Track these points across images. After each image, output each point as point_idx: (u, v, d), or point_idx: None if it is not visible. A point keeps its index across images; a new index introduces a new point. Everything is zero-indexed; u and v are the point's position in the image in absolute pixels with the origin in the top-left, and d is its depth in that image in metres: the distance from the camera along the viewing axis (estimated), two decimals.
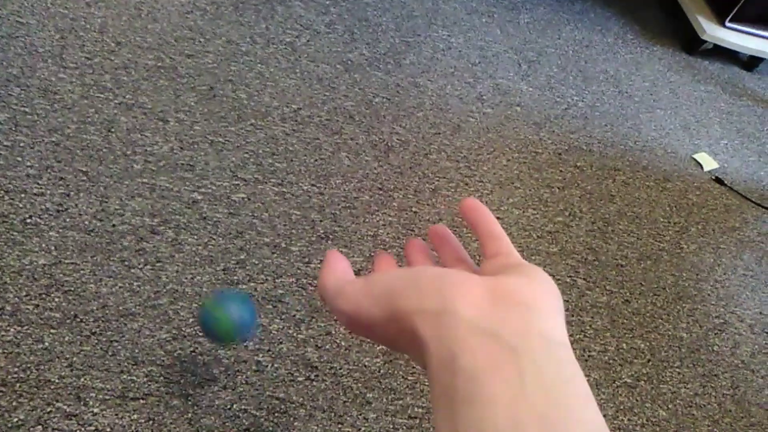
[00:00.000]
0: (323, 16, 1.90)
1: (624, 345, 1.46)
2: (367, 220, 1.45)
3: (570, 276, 1.52)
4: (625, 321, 1.50)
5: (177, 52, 1.60)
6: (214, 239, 1.30)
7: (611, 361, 1.40)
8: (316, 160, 1.51)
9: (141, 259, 1.23)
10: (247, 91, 1.59)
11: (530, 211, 1.64)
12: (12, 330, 1.09)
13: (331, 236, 1.38)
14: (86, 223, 1.25)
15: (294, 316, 1.24)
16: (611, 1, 2.60)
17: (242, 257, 1.29)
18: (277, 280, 1.28)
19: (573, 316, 1.44)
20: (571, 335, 1.41)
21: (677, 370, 1.45)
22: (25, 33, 1.50)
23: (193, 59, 1.61)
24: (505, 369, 0.32)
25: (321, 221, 1.41)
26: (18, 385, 1.04)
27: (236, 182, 1.40)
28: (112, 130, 1.40)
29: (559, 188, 1.73)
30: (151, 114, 1.45)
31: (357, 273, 1.34)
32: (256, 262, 1.29)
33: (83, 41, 1.53)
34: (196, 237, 1.29)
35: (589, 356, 1.38)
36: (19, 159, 1.29)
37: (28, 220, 1.21)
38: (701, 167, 2.00)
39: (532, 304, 0.36)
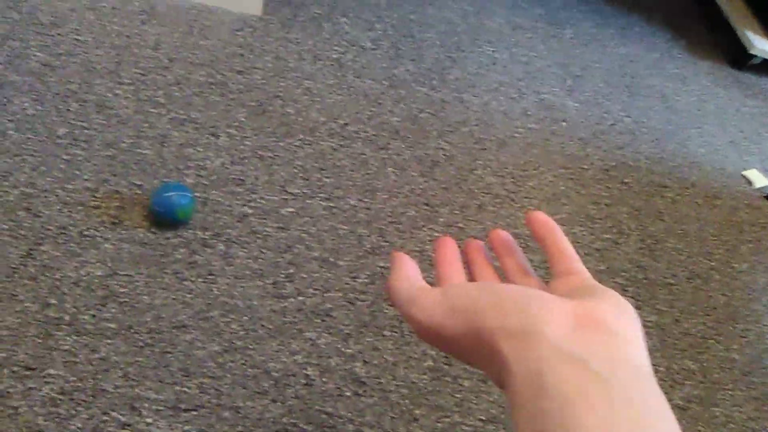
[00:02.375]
0: (369, 33, 1.91)
1: (674, 366, 1.42)
2: (413, 235, 1.44)
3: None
4: (675, 341, 1.47)
5: (227, 68, 1.63)
6: (263, 253, 1.31)
7: (661, 383, 1.37)
8: (362, 175, 1.52)
9: (193, 272, 1.24)
10: (295, 106, 1.61)
11: (577, 228, 1.62)
12: (70, 339, 1.11)
13: (377, 251, 1.39)
14: (140, 235, 1.27)
15: (342, 330, 1.25)
16: (656, 15, 2.57)
17: (291, 271, 1.30)
18: (325, 295, 1.28)
19: None
20: None
21: (730, 392, 1.41)
22: (83, 50, 1.54)
23: (243, 75, 1.63)
24: (595, 397, 0.31)
25: (368, 236, 1.41)
26: (75, 393, 1.06)
27: (285, 197, 1.41)
28: (165, 144, 1.42)
29: (606, 205, 1.71)
30: (202, 129, 1.48)
31: None
32: (305, 276, 1.30)
33: (137, 58, 1.57)
34: (246, 251, 1.30)
35: None
36: (77, 172, 1.32)
37: (86, 233, 1.24)
38: (751, 184, 1.96)
39: (617, 331, 0.36)
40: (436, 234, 1.46)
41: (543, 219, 0.45)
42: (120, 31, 1.63)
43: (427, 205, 1.52)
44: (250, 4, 1.78)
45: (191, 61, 1.62)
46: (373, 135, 1.62)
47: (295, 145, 1.53)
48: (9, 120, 1.38)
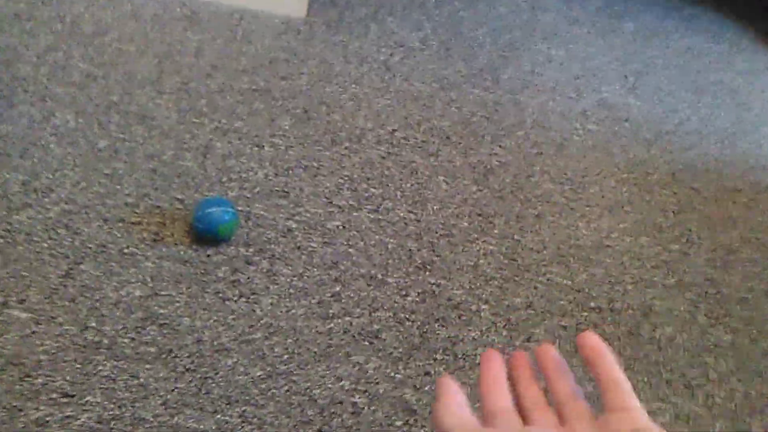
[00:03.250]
0: (417, 33, 1.82)
1: (753, 391, 1.30)
2: (466, 248, 1.35)
3: (689, 311, 1.37)
4: (753, 363, 1.34)
5: (271, 74, 1.56)
6: (308, 270, 1.24)
7: (738, 410, 1.25)
8: (412, 185, 1.43)
9: (236, 291, 1.18)
10: (342, 113, 1.53)
11: (643, 238, 1.50)
12: (108, 364, 1.06)
13: (428, 266, 1.30)
14: (181, 253, 1.21)
15: (391, 354, 1.16)
16: (723, 4, 2.40)
17: (337, 289, 1.23)
18: (373, 314, 1.21)
19: (694, 357, 1.30)
20: (692, 378, 1.26)
21: None
22: (125, 60, 1.50)
23: (288, 81, 1.56)
24: None
25: (418, 250, 1.32)
26: (113, 422, 1.01)
27: (331, 209, 1.34)
28: (208, 156, 1.37)
29: (674, 212, 1.58)
30: (246, 139, 1.42)
31: (457, 306, 1.25)
32: (352, 295, 1.22)
33: (179, 66, 1.52)
34: (291, 268, 1.23)
35: (713, 403, 1.24)
36: (118, 187, 1.28)
37: (126, 251, 1.19)
38: None
39: None
40: (491, 247, 1.36)
41: (594, 343, 0.41)
42: (162, 38, 1.58)
43: (480, 215, 1.42)
44: (294, 7, 1.71)
45: (234, 68, 1.57)
46: (423, 141, 1.53)
47: (341, 154, 1.45)
48: (51, 134, 1.34)
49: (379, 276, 1.27)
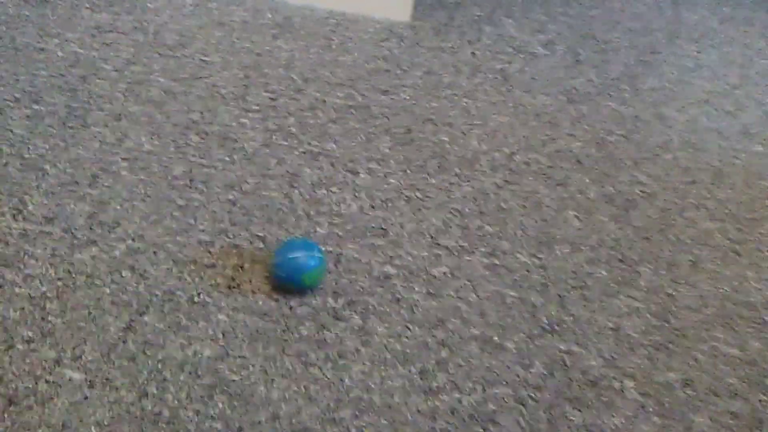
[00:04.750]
0: (539, 35, 1.56)
1: None
2: (604, 305, 1.08)
3: None
4: None
5: (370, 87, 1.35)
6: (409, 329, 1.01)
7: None
8: (535, 222, 1.17)
9: (321, 354, 0.97)
10: (450, 132, 1.30)
11: None
12: None
13: (557, 328, 1.04)
14: (260, 303, 1.02)
15: None
16: None
17: (443, 355, 0.99)
18: (487, 391, 0.96)
19: None
20: None
21: None
22: (209, 73, 1.33)
23: (388, 95, 1.34)
24: None
25: (543, 305, 1.07)
26: None
27: (437, 251, 1.11)
28: (295, 184, 1.17)
29: None
30: (338, 164, 1.21)
31: (595, 383, 0.98)
32: (462, 363, 0.98)
33: (267, 79, 1.33)
34: (387, 325, 1.01)
35: None
36: (192, 222, 1.10)
37: (196, 299, 1.01)
38: None
39: None
40: (636, 304, 1.08)
41: None
42: (250, 48, 1.40)
43: (621, 261, 1.14)
44: (397, 10, 1.49)
45: (328, 81, 1.36)
46: (549, 167, 1.27)
47: (450, 183, 1.21)
48: (124, 158, 1.19)
49: (496, 339, 1.02)
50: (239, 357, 0.98)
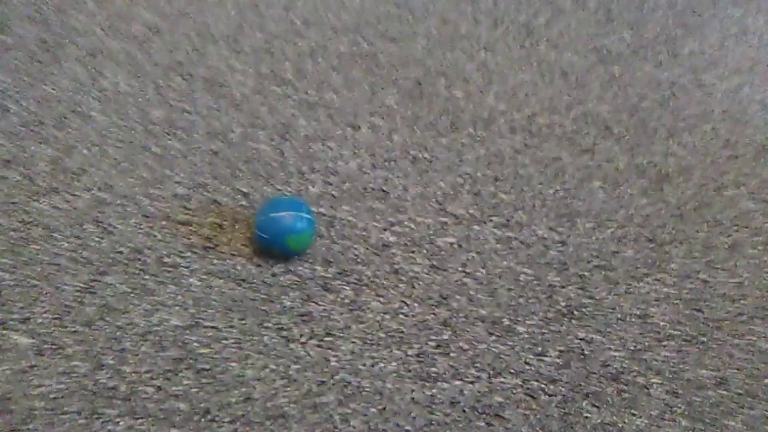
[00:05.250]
0: None
1: None
2: (630, 289, 0.95)
3: None
4: None
5: (378, 34, 1.20)
6: (407, 305, 0.88)
7: None
8: (556, 191, 1.03)
9: (305, 329, 0.84)
10: (465, 88, 1.15)
11: None
12: (123, 424, 0.75)
13: (576, 312, 0.91)
14: (238, 268, 0.88)
15: None
16: None
17: (445, 337, 0.86)
18: (493, 380, 0.83)
19: None
20: None
21: None
22: (199, 10, 1.18)
23: (398, 44, 1.20)
24: None
25: (562, 287, 0.93)
26: None
27: (444, 219, 0.97)
28: (287, 136, 1.03)
29: None
30: (337, 116, 1.07)
31: (617, 377, 0.85)
32: (466, 347, 0.85)
33: (264, 19, 1.19)
34: (382, 300, 0.88)
35: None
36: (168, 172, 0.96)
37: (166, 260, 0.88)
38: None
39: None
40: (666, 289, 0.95)
41: None
42: None
43: (651, 241, 1.01)
44: None
45: (331, 25, 1.22)
46: (573, 132, 1.13)
47: (462, 143, 1.07)
48: (96, 98, 1.05)
49: (506, 322, 0.89)
50: (211, 328, 0.85)
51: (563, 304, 0.94)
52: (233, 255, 0.93)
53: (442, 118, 1.13)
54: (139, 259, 0.91)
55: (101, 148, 1.02)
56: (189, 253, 0.92)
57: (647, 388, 0.88)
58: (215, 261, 0.92)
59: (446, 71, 1.21)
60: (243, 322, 0.87)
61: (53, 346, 0.82)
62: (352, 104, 1.13)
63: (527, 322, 0.92)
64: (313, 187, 1.01)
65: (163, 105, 1.08)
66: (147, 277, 0.90)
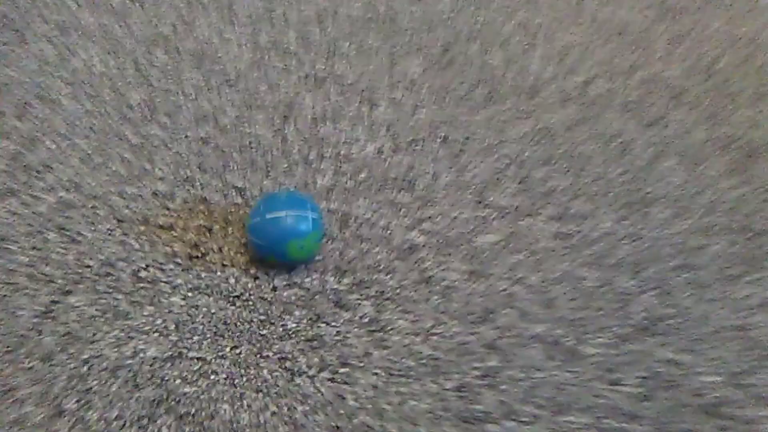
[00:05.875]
0: None
1: None
2: (724, 294, 0.75)
3: None
4: None
5: None
6: (442, 323, 0.69)
7: None
8: (621, 173, 0.84)
9: (314, 359, 0.67)
10: (503, 53, 0.96)
11: None
12: None
13: (656, 326, 0.71)
14: (231, 281, 0.72)
15: None
16: None
17: (492, 364, 0.68)
18: (557, 418, 0.65)
19: None
20: None
21: None
22: None
23: (420, 4, 1.01)
24: None
25: (638, 293, 0.74)
26: None
27: (482, 212, 0.78)
28: (290, 117, 0.85)
29: None
30: (351, 92, 0.88)
31: (716, 408, 0.66)
32: (519, 377, 0.67)
33: None
34: (411, 317, 0.69)
35: None
36: (147, 167, 0.79)
37: (143, 273, 0.71)
38: None
39: None
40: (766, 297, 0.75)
41: None
42: None
43: (743, 231, 0.80)
44: None
45: None
46: (636, 100, 0.93)
47: (502, 119, 0.88)
48: (66, 82, 0.88)
49: (568, 342, 0.70)
50: (197, 360, 0.68)
51: (640, 316, 0.75)
52: (225, 266, 0.75)
53: (477, 89, 0.94)
54: (111, 274, 0.74)
55: (69, 140, 0.85)
56: (171, 265, 0.75)
57: (756, 423, 0.68)
58: (203, 274, 0.74)
59: (479, 34, 1.01)
60: (237, 351, 0.69)
61: (3, 388, 0.66)
62: (368, 77, 0.94)
63: (595, 341, 0.72)
64: (322, 178, 0.83)
65: (143, 86, 0.91)
66: (119, 296, 0.72)
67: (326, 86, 0.93)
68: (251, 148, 0.86)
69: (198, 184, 0.82)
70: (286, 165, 0.85)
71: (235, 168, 0.84)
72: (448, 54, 0.99)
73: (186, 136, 0.87)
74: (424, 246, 0.79)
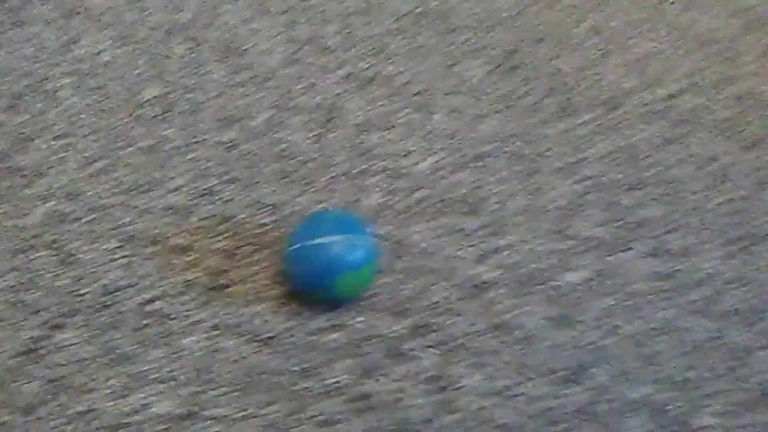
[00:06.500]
0: None
1: None
2: None
3: None
4: None
5: None
6: (526, 380, 0.55)
7: None
8: (721, 203, 0.70)
9: (361, 425, 0.52)
10: (574, 59, 0.83)
11: None
12: None
13: None
14: (259, 321, 0.57)
15: None
16: None
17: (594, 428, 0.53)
18: None
19: None
20: None
21: None
22: None
23: (480, 3, 0.88)
24: None
25: (754, 350, 0.60)
26: None
27: (562, 244, 0.65)
28: (330, 126, 0.72)
29: None
30: (402, 96, 0.76)
31: None
32: None
33: None
34: (483, 372, 0.56)
35: None
36: (157, 175, 0.65)
37: (149, 308, 0.57)
38: None
39: None
40: None
41: None
42: None
43: None
44: None
45: None
46: (729, 119, 0.80)
47: (578, 134, 0.76)
48: (67, 72, 0.75)
49: (676, 409, 0.56)
50: (215, 419, 0.53)
51: (759, 377, 0.61)
52: (252, 300, 0.61)
53: (547, 99, 0.81)
54: (110, 306, 0.60)
55: (67, 140, 0.72)
56: (186, 297, 0.61)
57: None
58: (225, 310, 0.61)
59: (546, 37, 0.89)
60: (266, 410, 0.55)
61: None
62: (422, 79, 0.81)
63: (710, 408, 0.58)
64: (369, 196, 0.69)
65: (157, 80, 0.78)
66: (121, 334, 0.58)
67: (372, 89, 0.81)
68: (284, 157, 0.72)
69: (219, 198, 0.69)
70: (324, 180, 0.71)
71: (265, 180, 0.70)
72: (513, 58, 0.86)
73: (207, 141, 0.73)
74: (496, 283, 0.65)
